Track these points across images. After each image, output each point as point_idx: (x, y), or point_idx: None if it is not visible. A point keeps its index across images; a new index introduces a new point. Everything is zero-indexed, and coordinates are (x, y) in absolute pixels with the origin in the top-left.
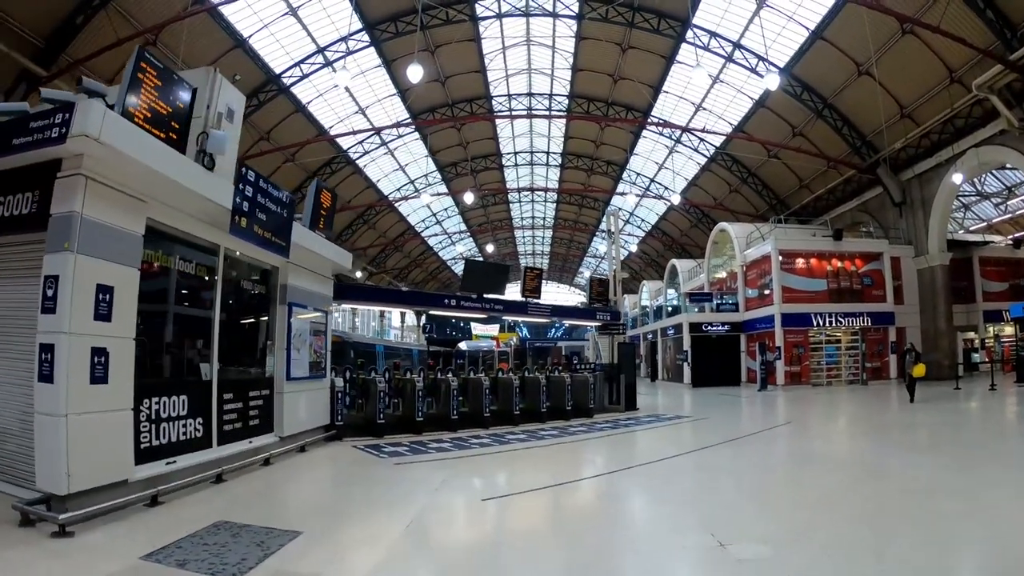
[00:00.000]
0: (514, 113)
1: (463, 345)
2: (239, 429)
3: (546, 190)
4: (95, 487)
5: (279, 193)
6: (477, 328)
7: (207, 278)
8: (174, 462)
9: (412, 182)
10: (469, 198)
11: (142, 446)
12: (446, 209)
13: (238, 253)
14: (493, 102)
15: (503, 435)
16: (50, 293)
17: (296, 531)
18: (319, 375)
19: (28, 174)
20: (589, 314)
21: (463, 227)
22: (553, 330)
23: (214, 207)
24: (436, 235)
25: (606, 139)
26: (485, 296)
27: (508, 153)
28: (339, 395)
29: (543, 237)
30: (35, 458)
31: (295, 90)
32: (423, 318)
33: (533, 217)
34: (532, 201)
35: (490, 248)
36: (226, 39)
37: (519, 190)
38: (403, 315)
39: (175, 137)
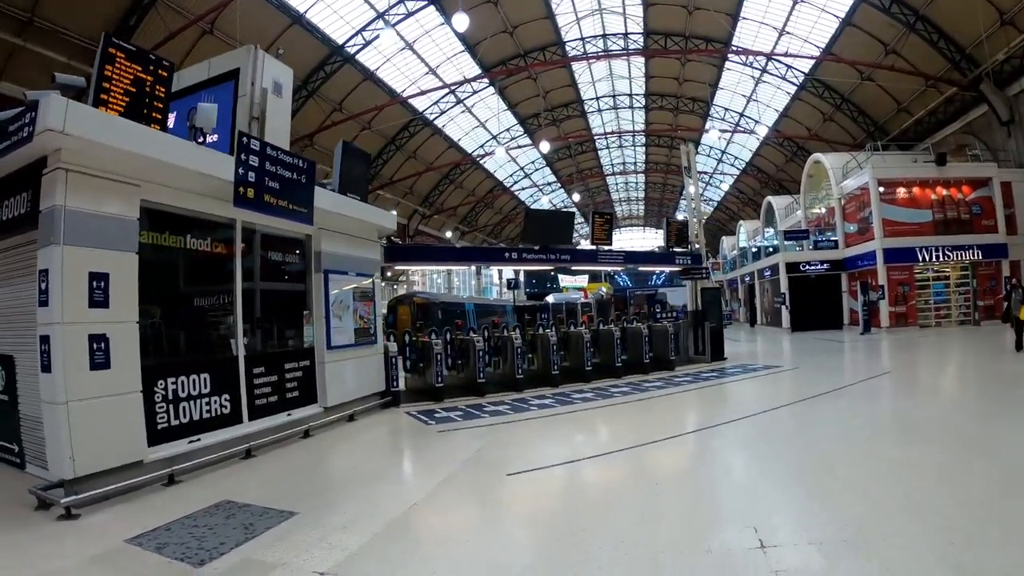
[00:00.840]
0: (588, 55)
1: (551, 298)
2: (274, 403)
3: (633, 132)
4: (105, 470)
5: (293, 159)
6: (565, 280)
7: (225, 253)
8: (198, 440)
9: (495, 137)
10: (544, 147)
11: (159, 426)
12: (533, 162)
13: (259, 225)
14: (566, 48)
15: (569, 394)
16: (43, 287)
17: (291, 512)
18: (368, 341)
19: (22, 176)
20: (667, 258)
21: (552, 179)
22: (654, 278)
23: (220, 182)
24: (526, 188)
25: (688, 75)
26: (550, 247)
27: (590, 99)
28: (393, 360)
29: (636, 183)
30: (46, 445)
31: (361, 58)
32: (508, 274)
33: (624, 163)
34: (621, 146)
35: (577, 197)
36: (281, 17)
37: (605, 135)
38: (500, 272)
39: (158, 116)
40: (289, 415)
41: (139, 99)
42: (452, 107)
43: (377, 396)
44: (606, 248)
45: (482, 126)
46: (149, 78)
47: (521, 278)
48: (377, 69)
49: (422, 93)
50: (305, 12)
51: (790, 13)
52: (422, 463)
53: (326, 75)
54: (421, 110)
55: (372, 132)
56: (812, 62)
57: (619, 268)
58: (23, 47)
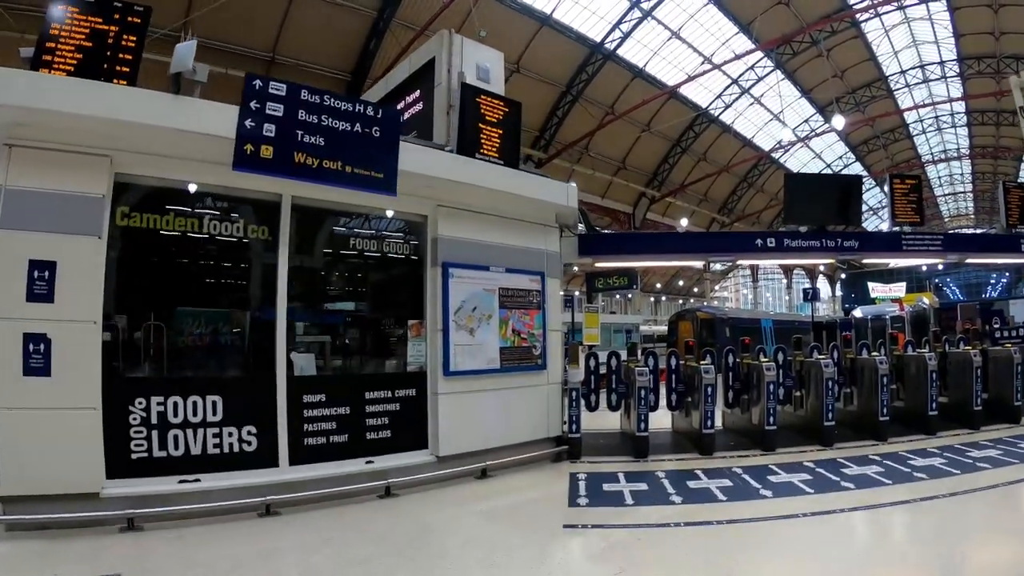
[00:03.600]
0: (877, 7)
1: (858, 312)
2: (341, 444)
3: (949, 101)
4: (43, 495)
5: (350, 105)
6: (876, 290)
7: (262, 240)
8: (196, 480)
9: (793, 130)
10: (838, 122)
11: (133, 456)
12: (841, 157)
13: (329, 202)
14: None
15: (846, 463)
16: None
17: None
18: (528, 366)
19: None
20: (1008, 243)
21: (863, 172)
22: (993, 282)
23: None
24: None
25: (1007, 24)
26: (823, 229)
27: (893, 74)
28: (574, 394)
29: (960, 173)
30: None
31: (623, 53)
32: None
33: (945, 149)
34: (939, 129)
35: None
36: (525, 21)
37: (915, 107)
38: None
39: (125, 70)
40: (370, 463)
41: (97, 54)
42: (737, 99)
43: (545, 444)
44: (911, 231)
45: (776, 118)
46: (113, 28)
47: (830, 288)
48: (646, 64)
49: (690, 79)
50: (552, 13)
51: None
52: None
53: (589, 76)
54: (704, 106)
55: (653, 134)
56: None
57: (935, 260)
58: None
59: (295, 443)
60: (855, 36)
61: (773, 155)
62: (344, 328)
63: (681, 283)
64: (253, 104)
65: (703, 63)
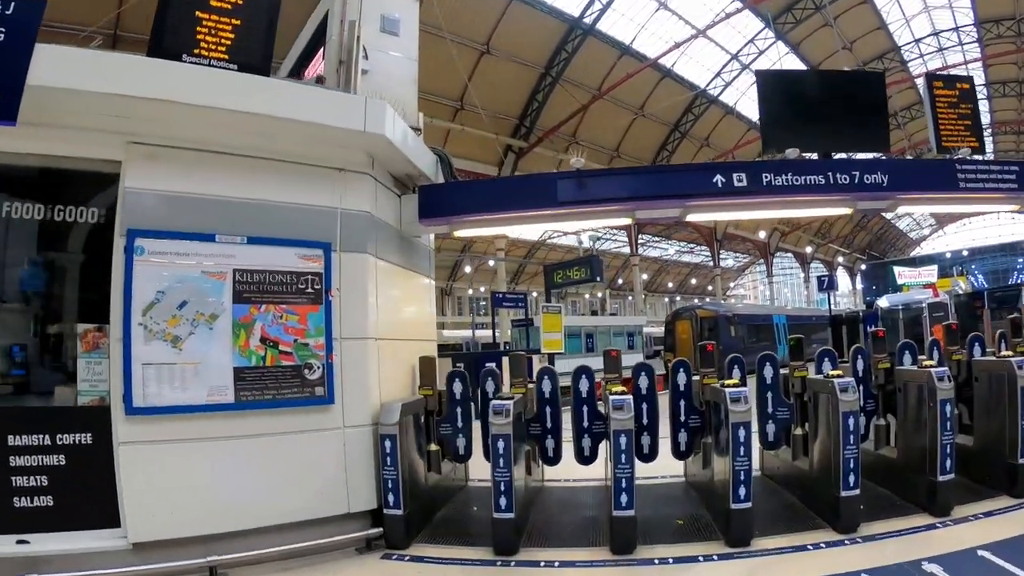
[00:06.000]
0: None
1: (883, 301)
2: None
3: (965, 63)
4: None
5: None
6: (903, 275)
7: None
8: None
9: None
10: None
11: None
12: None
13: None
14: None
15: None
16: None
17: None
18: (294, 399)
19: None
20: None
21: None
22: (1020, 267)
23: None
24: None
25: None
26: (828, 157)
27: (906, 44)
28: (387, 444)
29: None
30: None
31: (607, 29)
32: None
33: None
34: None
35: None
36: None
37: (925, 72)
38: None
39: None
40: (24, 542)
41: None
42: (738, 76)
43: (343, 524)
44: (972, 157)
45: None
46: None
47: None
48: (633, 41)
49: (677, 46)
50: None
51: None
52: None
53: (569, 54)
54: (702, 85)
55: (648, 118)
56: None
57: (1007, 206)
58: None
59: None
60: (863, 1)
61: None
62: None
63: (694, 281)
64: None
65: (694, 33)
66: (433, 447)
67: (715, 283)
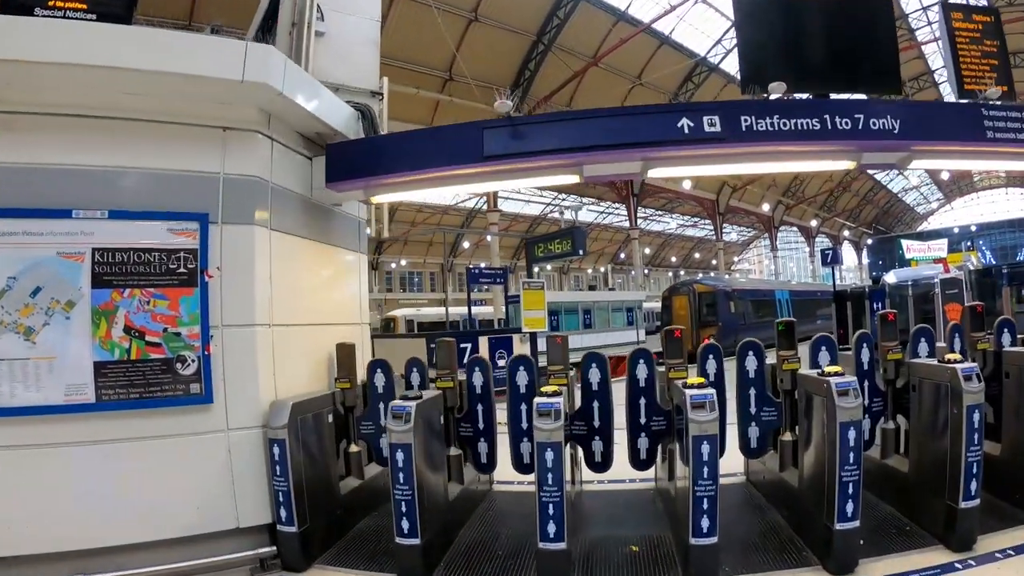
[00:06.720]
0: None
1: (890, 277)
2: None
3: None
4: None
5: None
6: (911, 249)
7: None
8: None
9: None
10: None
11: None
12: None
13: None
14: None
15: None
16: None
17: None
18: (165, 398)
19: None
20: None
21: None
22: None
23: None
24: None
25: None
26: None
27: (915, 12)
28: (276, 450)
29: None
30: None
31: None
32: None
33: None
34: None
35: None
36: None
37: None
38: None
39: None
40: None
41: None
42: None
43: (231, 541)
44: (1001, 103)
45: None
46: None
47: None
48: (628, 7)
49: (672, 9)
50: None
51: None
52: None
53: (561, 20)
54: (702, 53)
55: (646, 87)
56: None
57: None
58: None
59: None
60: None
61: None
62: None
63: (698, 255)
64: None
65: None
66: (354, 448)
67: (718, 257)
